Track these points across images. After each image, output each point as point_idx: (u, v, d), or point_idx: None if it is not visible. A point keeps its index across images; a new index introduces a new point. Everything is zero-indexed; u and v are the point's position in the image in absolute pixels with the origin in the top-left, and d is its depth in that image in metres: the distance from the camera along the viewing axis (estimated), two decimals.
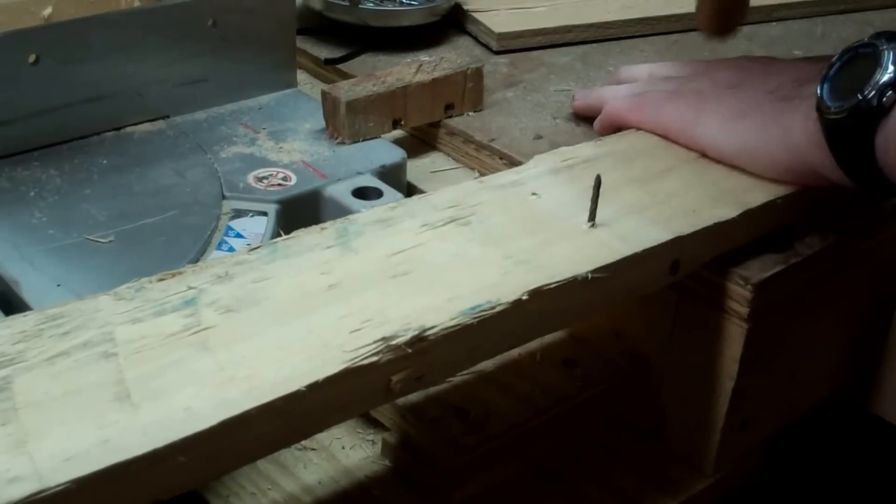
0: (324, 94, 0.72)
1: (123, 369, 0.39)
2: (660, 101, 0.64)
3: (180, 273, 0.46)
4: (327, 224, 0.51)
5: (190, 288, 0.45)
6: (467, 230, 0.51)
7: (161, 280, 0.45)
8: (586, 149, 0.61)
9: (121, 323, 0.42)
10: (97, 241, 0.59)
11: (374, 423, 0.59)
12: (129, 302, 0.44)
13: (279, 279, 0.46)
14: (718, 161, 0.60)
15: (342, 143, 0.71)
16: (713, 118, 0.60)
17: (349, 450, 0.58)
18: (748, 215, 0.56)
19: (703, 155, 0.61)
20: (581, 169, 0.59)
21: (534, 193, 0.55)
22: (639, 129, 0.65)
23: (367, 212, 0.53)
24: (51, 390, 0.38)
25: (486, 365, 0.60)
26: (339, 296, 0.45)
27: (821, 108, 0.53)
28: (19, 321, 0.42)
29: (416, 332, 0.42)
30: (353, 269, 0.47)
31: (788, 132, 0.56)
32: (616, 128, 0.67)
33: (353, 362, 0.40)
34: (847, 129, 0.52)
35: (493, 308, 0.45)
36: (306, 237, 0.50)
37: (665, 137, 0.63)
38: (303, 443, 0.58)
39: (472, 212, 0.53)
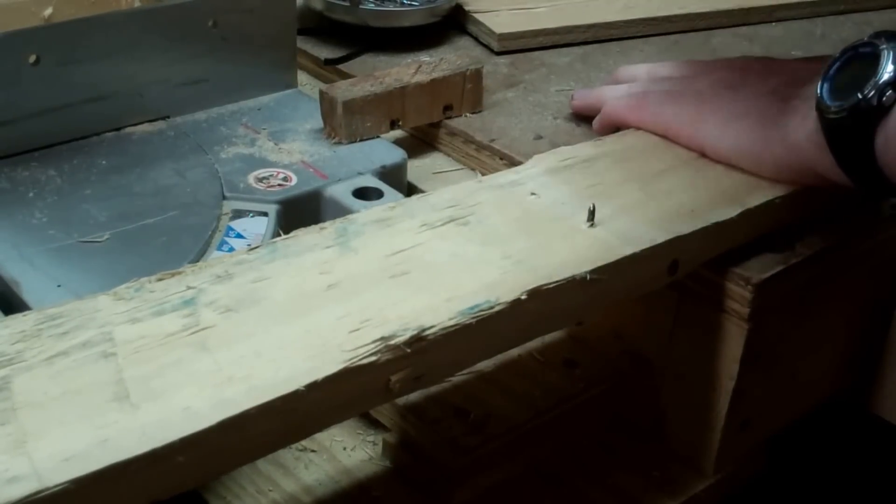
0: (321, 93, 0.72)
1: (122, 369, 0.39)
2: (659, 100, 0.64)
3: (180, 273, 0.46)
4: (326, 224, 0.51)
5: (189, 288, 0.45)
6: (466, 230, 0.51)
7: (160, 280, 0.45)
8: (585, 149, 0.61)
9: (120, 323, 0.42)
10: (93, 242, 0.59)
11: (375, 424, 0.59)
12: (128, 302, 0.44)
13: (278, 279, 0.46)
14: (717, 161, 0.60)
15: (339, 142, 0.71)
16: (712, 118, 0.60)
17: (350, 451, 0.58)
18: (747, 215, 0.56)
19: (703, 155, 0.61)
20: (580, 169, 0.59)
21: (533, 193, 0.55)
22: (638, 128, 0.65)
23: (367, 212, 0.53)
24: (50, 390, 0.38)
25: (487, 365, 0.60)
26: (338, 296, 0.45)
27: (820, 108, 0.53)
28: (18, 321, 0.42)
29: (415, 332, 0.42)
30: (352, 268, 0.47)
31: (788, 132, 0.56)
32: (615, 127, 0.67)
33: (351, 362, 0.40)
34: (847, 129, 0.51)
35: (492, 308, 0.45)
36: (305, 237, 0.50)
37: (664, 137, 0.63)
38: (303, 444, 0.58)
39: (471, 212, 0.53)
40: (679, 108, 0.62)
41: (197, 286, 0.45)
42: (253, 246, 0.48)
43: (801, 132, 0.55)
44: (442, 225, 0.51)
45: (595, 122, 0.70)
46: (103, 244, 0.59)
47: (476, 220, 0.52)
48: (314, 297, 0.45)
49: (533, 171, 0.58)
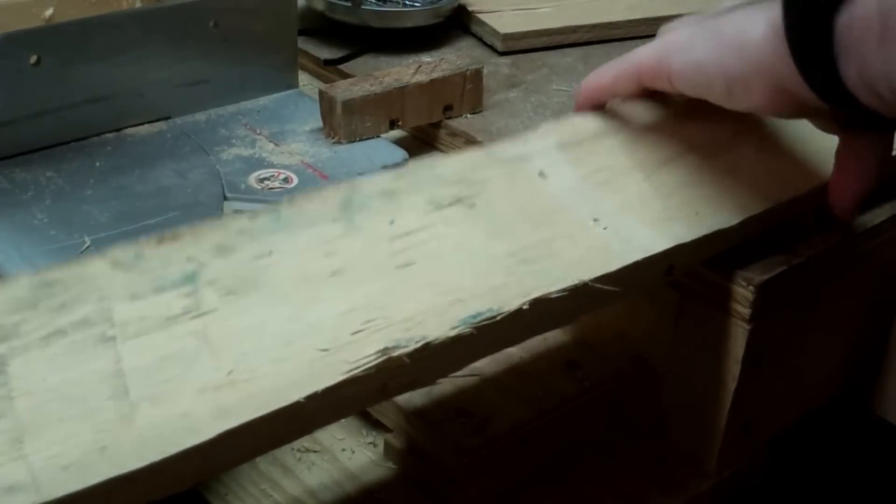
0: (321, 93, 0.72)
1: (122, 357, 0.39)
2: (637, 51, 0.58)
3: (180, 236, 0.44)
4: (330, 190, 0.49)
5: (190, 260, 0.43)
6: (472, 214, 0.50)
7: (160, 243, 0.44)
8: (594, 122, 0.58)
9: (119, 298, 0.41)
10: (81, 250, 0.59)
11: (377, 426, 0.59)
12: (126, 272, 0.42)
13: (281, 258, 0.45)
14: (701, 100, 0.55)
15: (338, 142, 0.71)
16: (683, 42, 0.53)
17: (352, 452, 0.58)
18: (748, 222, 0.55)
19: (704, 146, 0.58)
20: (589, 145, 0.56)
21: (541, 174, 0.54)
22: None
23: (372, 179, 0.50)
24: (48, 378, 0.38)
25: (489, 366, 0.60)
26: (341, 285, 0.44)
27: None
28: (13, 287, 0.40)
29: (418, 345, 0.42)
30: (356, 251, 0.46)
31: (745, 36, 0.49)
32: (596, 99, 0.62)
33: (352, 374, 0.40)
34: (805, 16, 0.44)
35: (495, 317, 0.44)
36: (309, 206, 0.47)
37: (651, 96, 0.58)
38: (305, 445, 0.58)
39: (478, 191, 0.51)
40: (654, 48, 0.56)
41: (197, 258, 0.43)
42: (255, 213, 0.47)
43: (758, 35, 0.47)
44: (448, 206, 0.50)
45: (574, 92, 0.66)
46: (105, 243, 0.59)
47: (483, 203, 0.50)
48: (317, 285, 0.44)
49: (540, 144, 0.55)
